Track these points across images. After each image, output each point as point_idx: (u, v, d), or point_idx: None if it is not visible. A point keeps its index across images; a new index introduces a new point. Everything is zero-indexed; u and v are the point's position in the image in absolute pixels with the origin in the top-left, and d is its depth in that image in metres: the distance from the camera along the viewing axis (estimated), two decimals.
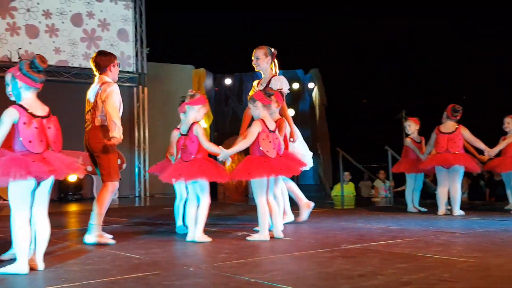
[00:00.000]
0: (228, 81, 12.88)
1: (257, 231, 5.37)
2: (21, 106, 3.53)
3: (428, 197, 8.73)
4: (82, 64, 11.54)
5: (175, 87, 12.63)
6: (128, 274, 3.39)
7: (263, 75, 5.92)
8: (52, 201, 3.89)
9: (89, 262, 3.83)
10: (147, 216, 7.16)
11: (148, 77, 12.32)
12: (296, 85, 12.54)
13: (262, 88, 5.63)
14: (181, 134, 4.73)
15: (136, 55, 12.25)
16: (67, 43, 11.43)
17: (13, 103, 3.57)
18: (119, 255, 4.10)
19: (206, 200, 4.70)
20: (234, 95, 12.88)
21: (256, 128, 4.79)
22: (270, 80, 5.79)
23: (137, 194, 12.03)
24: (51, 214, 3.76)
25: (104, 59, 4.98)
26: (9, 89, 3.68)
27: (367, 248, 4.30)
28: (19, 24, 10.81)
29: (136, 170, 12.12)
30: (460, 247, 4.35)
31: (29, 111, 3.53)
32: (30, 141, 3.47)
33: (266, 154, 4.79)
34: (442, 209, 6.88)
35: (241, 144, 4.81)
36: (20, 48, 3.86)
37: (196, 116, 4.74)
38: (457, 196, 6.79)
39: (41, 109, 3.61)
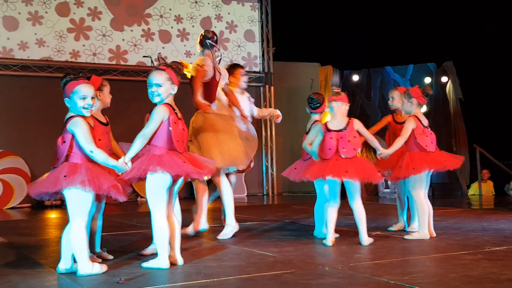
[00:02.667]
0: (355, 78, 12.67)
1: (391, 231, 5.28)
2: (170, 105, 3.71)
3: None
4: None
5: (301, 85, 12.72)
6: (264, 271, 3.44)
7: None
8: (184, 199, 4.05)
9: (225, 259, 3.93)
10: (276, 215, 7.23)
11: (274, 76, 12.47)
12: (428, 80, 12.04)
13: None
14: (333, 130, 4.53)
15: (263, 55, 12.46)
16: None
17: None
18: (254, 253, 4.18)
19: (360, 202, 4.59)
20: (362, 92, 12.64)
21: (410, 125, 4.73)
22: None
23: (264, 192, 12.22)
24: (183, 211, 3.91)
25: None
26: (155, 90, 3.79)
27: None
28: (153, 30, 11.41)
29: (264, 168, 12.31)
30: None
31: (176, 111, 3.71)
32: (177, 141, 3.65)
33: (426, 148, 4.73)
34: None
35: (398, 142, 4.71)
36: (160, 53, 4.08)
37: (344, 113, 4.62)
38: None
39: (177, 111, 3.78)
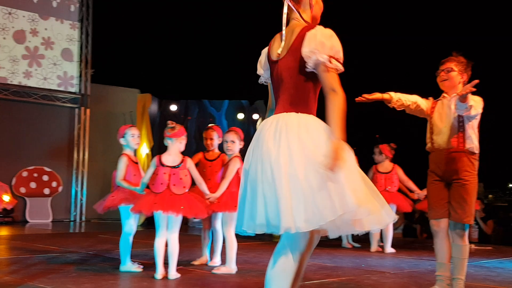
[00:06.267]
0: (173, 107, 12.84)
1: (194, 265, 5.39)
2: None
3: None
4: (22, 82, 11.33)
5: (119, 109, 12.55)
6: None
7: None
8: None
9: None
10: (82, 245, 7.01)
11: (91, 99, 12.17)
12: (241, 116, 12.64)
13: None
14: (168, 166, 4.64)
15: (80, 76, 12.11)
16: (8, 59, 11.21)
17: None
18: None
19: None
20: (179, 122, 12.81)
21: (236, 165, 5.05)
22: None
23: (72, 219, 11.76)
24: None
25: None
26: None
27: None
28: None
29: (73, 193, 11.87)
30: None
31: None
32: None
33: None
34: (374, 246, 7.11)
35: (224, 184, 5.01)
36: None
37: (180, 147, 4.75)
38: (389, 233, 7.05)
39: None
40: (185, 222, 11.06)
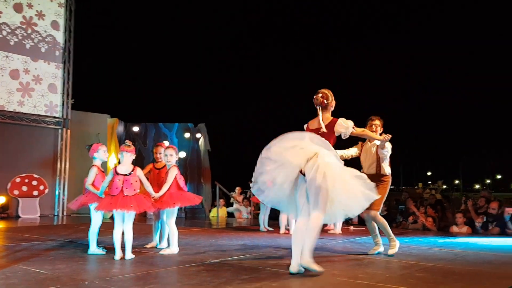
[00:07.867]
0: (135, 129, 12.52)
1: (146, 248, 5.27)
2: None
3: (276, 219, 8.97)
4: (17, 109, 10.74)
5: (93, 130, 12.16)
6: None
7: None
8: None
9: (1, 277, 3.52)
10: (60, 234, 6.68)
11: (72, 122, 11.69)
12: (187, 135, 12.49)
13: None
14: (121, 174, 4.50)
15: (63, 104, 11.61)
16: (5, 91, 10.60)
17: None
18: (29, 271, 3.80)
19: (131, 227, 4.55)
20: (140, 139, 12.54)
21: (174, 172, 4.94)
22: None
23: (55, 214, 11.19)
24: None
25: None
26: None
27: (225, 262, 4.33)
28: None
29: (57, 193, 11.32)
30: (289, 261, 4.52)
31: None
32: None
33: (183, 188, 5.00)
34: (282, 229, 7.20)
35: (166, 186, 4.86)
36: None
37: (131, 160, 4.60)
38: (292, 220, 7.15)
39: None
40: (144, 215, 10.82)
